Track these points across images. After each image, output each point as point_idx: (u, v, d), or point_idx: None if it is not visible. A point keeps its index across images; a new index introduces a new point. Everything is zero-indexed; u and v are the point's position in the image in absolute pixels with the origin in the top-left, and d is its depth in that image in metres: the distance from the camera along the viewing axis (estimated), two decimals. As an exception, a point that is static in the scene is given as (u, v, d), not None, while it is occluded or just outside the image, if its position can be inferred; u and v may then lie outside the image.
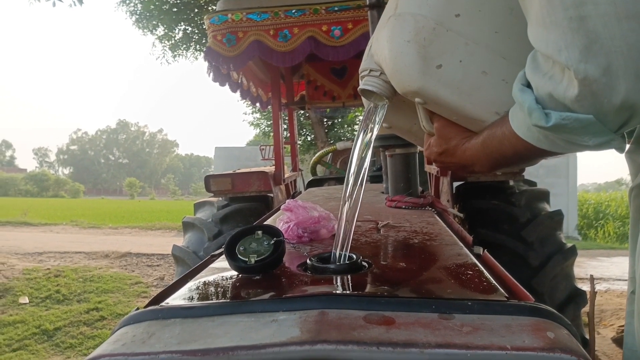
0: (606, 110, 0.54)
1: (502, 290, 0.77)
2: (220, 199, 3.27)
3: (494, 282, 0.82)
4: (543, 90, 0.59)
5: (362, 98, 0.98)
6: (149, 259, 7.59)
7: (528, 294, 0.76)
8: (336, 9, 2.63)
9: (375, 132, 0.95)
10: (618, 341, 3.80)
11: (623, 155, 0.78)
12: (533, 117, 0.60)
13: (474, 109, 0.78)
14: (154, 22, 9.24)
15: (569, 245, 2.69)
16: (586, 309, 2.02)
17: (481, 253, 1.07)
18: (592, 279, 1.12)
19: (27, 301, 5.31)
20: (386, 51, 0.82)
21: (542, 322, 0.62)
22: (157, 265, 7.21)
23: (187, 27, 9.37)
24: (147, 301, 0.78)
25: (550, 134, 0.60)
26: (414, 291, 0.81)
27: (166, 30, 9.45)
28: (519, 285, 0.82)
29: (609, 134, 0.57)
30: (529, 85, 0.62)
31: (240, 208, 3.09)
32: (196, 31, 9.30)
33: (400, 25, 0.79)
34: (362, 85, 0.92)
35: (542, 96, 0.60)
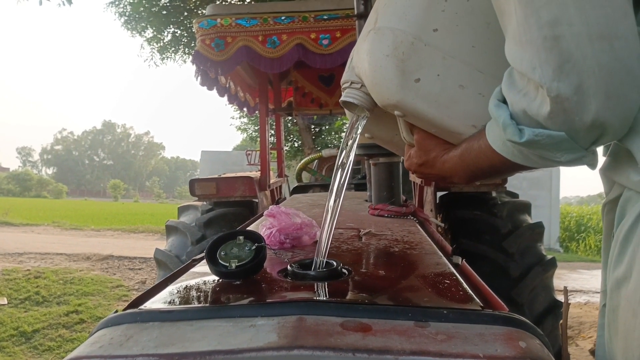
0: (577, 127, 0.56)
1: (478, 300, 0.78)
2: (205, 203, 3.26)
3: (470, 291, 0.83)
4: (517, 106, 0.61)
5: (345, 109, 1.00)
6: (131, 262, 7.52)
7: (502, 303, 0.77)
8: (325, 17, 2.65)
9: (356, 143, 0.97)
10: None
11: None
12: (507, 132, 0.62)
13: (452, 122, 0.80)
14: (143, 24, 9.19)
15: (549, 257, 2.73)
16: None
17: (460, 263, 1.08)
18: (565, 291, 1.14)
19: (6, 302, 5.22)
20: (366, 64, 0.83)
21: (515, 332, 0.63)
22: (139, 269, 7.14)
23: (176, 30, 9.33)
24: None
25: (524, 149, 0.62)
26: (392, 299, 0.83)
27: (155, 33, 9.40)
28: (494, 295, 0.83)
29: (580, 150, 0.59)
30: (505, 101, 0.64)
31: (225, 213, 3.08)
32: (185, 34, 9.27)
33: (380, 40, 0.80)
34: (344, 97, 0.94)
35: (516, 112, 0.61)
